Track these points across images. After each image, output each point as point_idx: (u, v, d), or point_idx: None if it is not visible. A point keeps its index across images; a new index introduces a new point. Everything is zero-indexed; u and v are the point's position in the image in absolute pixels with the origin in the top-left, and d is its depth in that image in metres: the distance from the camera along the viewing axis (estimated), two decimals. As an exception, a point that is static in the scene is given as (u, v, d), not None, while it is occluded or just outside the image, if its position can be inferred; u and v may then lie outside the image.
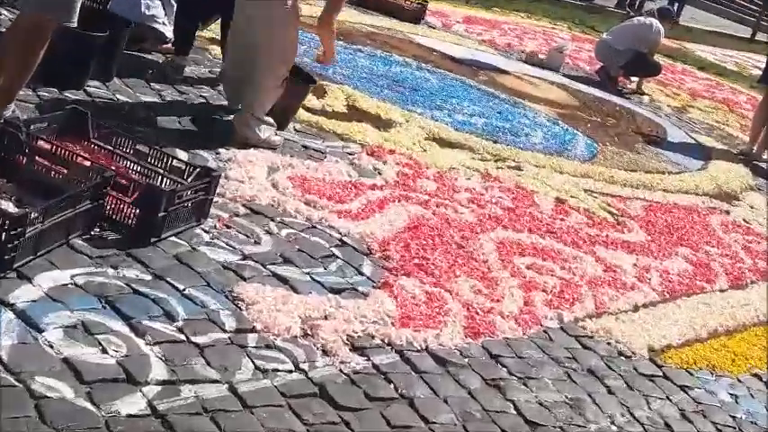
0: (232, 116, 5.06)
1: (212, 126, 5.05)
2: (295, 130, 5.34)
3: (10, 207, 3.22)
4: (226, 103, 5.37)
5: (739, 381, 4.17)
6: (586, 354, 3.91)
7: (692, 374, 4.06)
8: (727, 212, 6.58)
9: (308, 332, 3.28)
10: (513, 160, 6.14)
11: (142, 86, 5.24)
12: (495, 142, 6.42)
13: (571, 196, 5.75)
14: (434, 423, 3.07)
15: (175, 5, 5.87)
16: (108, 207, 3.51)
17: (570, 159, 6.66)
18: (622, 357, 3.98)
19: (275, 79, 4.86)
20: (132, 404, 2.64)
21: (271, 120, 4.94)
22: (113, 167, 3.69)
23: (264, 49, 4.76)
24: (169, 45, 5.86)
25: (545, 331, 3.96)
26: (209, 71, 5.90)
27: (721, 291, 5.08)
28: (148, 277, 3.28)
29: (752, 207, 6.91)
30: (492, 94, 7.92)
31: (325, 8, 4.92)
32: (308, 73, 5.57)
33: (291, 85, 5.06)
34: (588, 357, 3.89)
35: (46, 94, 4.61)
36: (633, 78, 10.18)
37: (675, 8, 16.69)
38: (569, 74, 9.95)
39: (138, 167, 3.87)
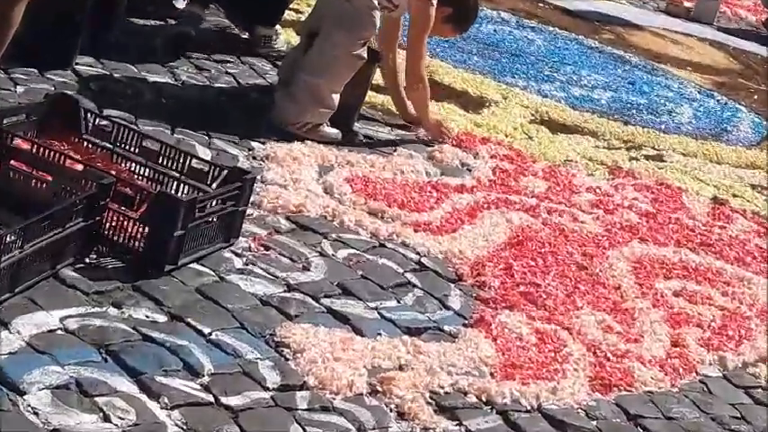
0: (275, 94, 5.13)
1: (243, 112, 5.10)
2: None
3: (-21, 228, 3.26)
4: (262, 80, 5.44)
5: None
6: (759, 411, 3.86)
7: None
8: None
9: (378, 388, 3.28)
10: (653, 147, 6.11)
11: (148, 62, 5.31)
12: (627, 123, 6.39)
13: (734, 195, 5.71)
14: None
15: None
16: (107, 225, 3.54)
17: (732, 144, 6.61)
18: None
19: (350, 46, 4.99)
20: (145, 488, 2.67)
21: (334, 102, 5.03)
22: (113, 171, 3.70)
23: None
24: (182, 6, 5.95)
25: (702, 381, 3.92)
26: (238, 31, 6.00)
27: None
28: (163, 318, 3.31)
29: None
30: (621, 59, 7.87)
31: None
32: (371, 48, 5.60)
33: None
34: (762, 416, 3.83)
35: (23, 76, 4.69)
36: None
37: None
38: (727, 27, 9.82)
39: (147, 171, 3.91)
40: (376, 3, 5.02)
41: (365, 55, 5.05)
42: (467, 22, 5.56)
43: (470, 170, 5.10)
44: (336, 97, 5.01)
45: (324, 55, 5.00)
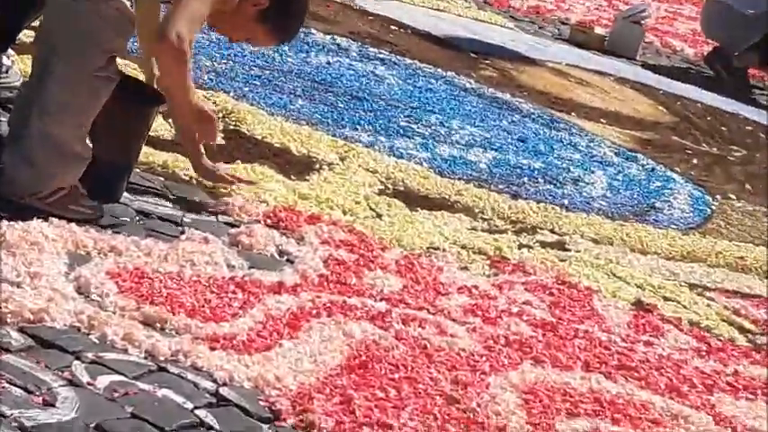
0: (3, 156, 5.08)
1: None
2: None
3: None
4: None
5: None
6: None
7: None
8: None
9: None
10: (552, 231, 6.21)
11: None
12: (516, 197, 6.50)
13: (664, 298, 5.82)
14: None
15: None
16: None
17: (661, 227, 6.75)
18: None
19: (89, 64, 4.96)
20: None
21: (85, 149, 5.01)
22: None
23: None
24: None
25: None
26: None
27: None
28: None
29: None
30: (508, 106, 7.99)
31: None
32: (154, 88, 5.61)
33: (131, 106, 5.17)
34: None
35: None
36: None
37: None
38: (656, 63, 10.07)
39: None
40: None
41: (114, 75, 5.05)
42: (292, 23, 5.53)
43: (292, 261, 5.12)
44: (86, 143, 5.01)
45: (60, 85, 4.98)
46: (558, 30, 10.32)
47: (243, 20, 5.25)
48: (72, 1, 4.99)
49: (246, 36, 5.50)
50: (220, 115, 6.27)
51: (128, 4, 4.98)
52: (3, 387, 3.79)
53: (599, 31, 10.15)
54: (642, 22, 10.27)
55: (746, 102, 9.77)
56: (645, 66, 9.95)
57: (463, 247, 5.72)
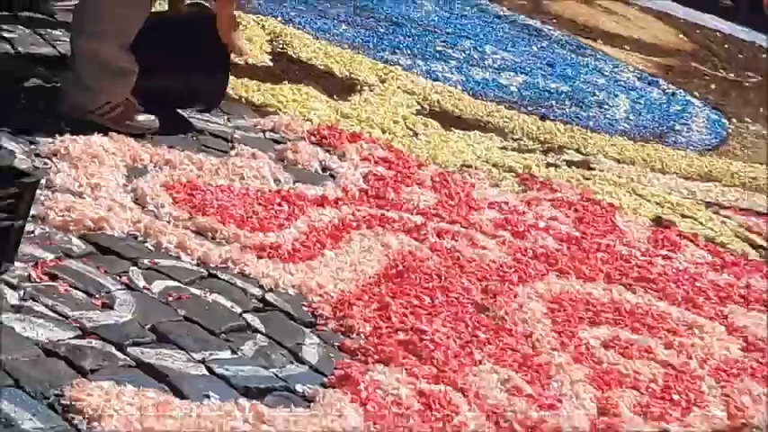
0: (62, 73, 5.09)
1: (25, 93, 5.05)
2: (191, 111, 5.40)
3: None
4: (50, 49, 5.38)
5: None
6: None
7: None
8: None
9: (205, 471, 3.28)
10: (578, 151, 6.21)
11: None
12: (544, 118, 6.49)
13: (683, 215, 5.81)
14: None
15: None
16: None
17: (681, 148, 6.72)
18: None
19: None
20: None
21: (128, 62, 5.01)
22: None
23: None
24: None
25: (639, 460, 3.97)
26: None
27: None
28: None
29: None
30: (537, 32, 7.95)
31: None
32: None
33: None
34: None
35: None
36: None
37: None
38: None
39: None
40: None
41: None
42: None
43: (334, 177, 5.13)
44: (130, 57, 5.00)
45: (98, 2, 5.00)
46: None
47: None
48: None
49: None
50: (269, 38, 6.24)
51: None
52: (65, 290, 3.81)
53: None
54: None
55: (763, 31, 9.68)
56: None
57: (494, 165, 5.72)
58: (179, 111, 5.31)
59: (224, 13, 5.16)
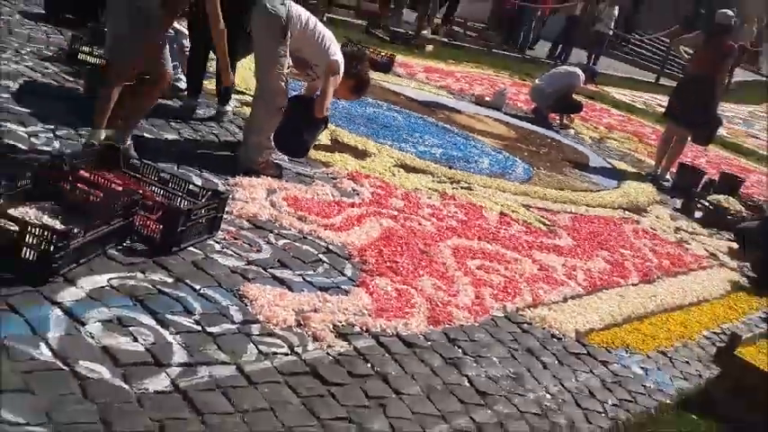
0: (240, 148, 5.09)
1: (221, 157, 5.04)
2: (288, 159, 5.33)
3: (57, 224, 3.21)
4: (231, 137, 5.39)
5: (648, 357, 4.22)
6: (526, 337, 3.94)
7: (610, 352, 4.10)
8: (638, 222, 6.66)
9: (301, 322, 3.29)
10: (465, 182, 6.15)
11: (164, 126, 5.24)
12: (451, 168, 6.44)
13: (512, 210, 5.77)
14: (404, 394, 3.10)
15: (187, 53, 5.88)
16: (137, 224, 3.50)
17: (511, 181, 6.69)
18: (554, 339, 4.02)
19: (269, 111, 4.84)
20: (159, 383, 2.65)
21: (269, 143, 4.91)
22: (141, 191, 3.67)
23: (260, 85, 4.82)
24: (184, 92, 5.88)
25: (492, 319, 3.98)
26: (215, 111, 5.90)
27: (633, 285, 5.13)
28: (170, 280, 3.29)
29: (657, 217, 7.00)
30: (448, 129, 7.95)
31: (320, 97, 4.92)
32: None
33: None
34: (527, 339, 3.91)
35: (85, 131, 4.60)
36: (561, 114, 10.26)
37: (593, 59, 16.93)
38: (510, 112, 10.01)
39: (162, 191, 3.87)
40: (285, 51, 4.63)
41: (284, 104, 4.77)
42: (362, 91, 5.32)
43: (358, 194, 5.10)
44: (269, 141, 4.87)
45: (255, 115, 4.86)
46: (470, 98, 10.23)
47: (343, 91, 5.12)
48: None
49: (343, 96, 5.30)
50: (329, 134, 6.21)
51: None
52: (241, 244, 3.79)
53: (487, 98, 10.07)
54: (505, 94, 10.17)
55: (548, 128, 9.68)
56: (506, 113, 9.87)
57: (429, 188, 5.68)
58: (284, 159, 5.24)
59: (323, 90, 4.90)
